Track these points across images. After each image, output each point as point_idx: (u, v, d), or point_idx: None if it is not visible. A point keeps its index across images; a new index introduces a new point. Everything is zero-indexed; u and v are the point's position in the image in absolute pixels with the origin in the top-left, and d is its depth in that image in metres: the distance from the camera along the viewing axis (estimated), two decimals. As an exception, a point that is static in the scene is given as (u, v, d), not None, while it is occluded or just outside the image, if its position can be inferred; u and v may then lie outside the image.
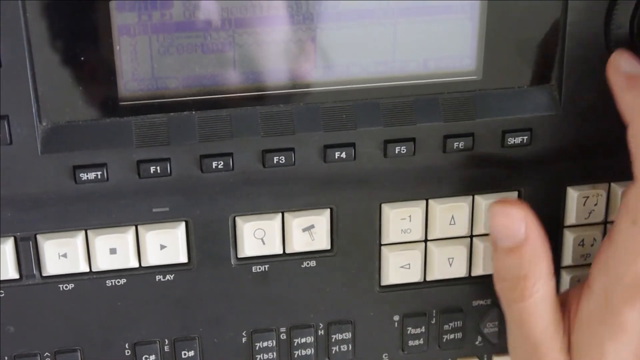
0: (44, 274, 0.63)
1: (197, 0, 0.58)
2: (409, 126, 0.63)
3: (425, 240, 0.67)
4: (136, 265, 0.64)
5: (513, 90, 0.64)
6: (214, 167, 0.61)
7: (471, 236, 0.68)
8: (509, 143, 0.64)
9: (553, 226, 0.68)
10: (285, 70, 0.61)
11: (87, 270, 0.64)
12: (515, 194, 0.66)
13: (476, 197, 0.66)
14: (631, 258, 0.58)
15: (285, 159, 0.62)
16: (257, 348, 0.68)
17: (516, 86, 0.64)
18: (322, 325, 0.68)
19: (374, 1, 0.60)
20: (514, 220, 0.61)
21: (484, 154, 0.64)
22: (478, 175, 0.65)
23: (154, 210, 0.63)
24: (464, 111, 0.63)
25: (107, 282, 0.64)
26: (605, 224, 0.69)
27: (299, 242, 0.65)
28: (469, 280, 0.68)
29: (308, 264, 0.66)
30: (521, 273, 0.61)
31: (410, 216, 0.66)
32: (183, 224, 0.64)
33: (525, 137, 0.64)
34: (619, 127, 0.65)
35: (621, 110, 0.60)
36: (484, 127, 0.63)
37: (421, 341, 0.70)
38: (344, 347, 0.69)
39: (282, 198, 0.64)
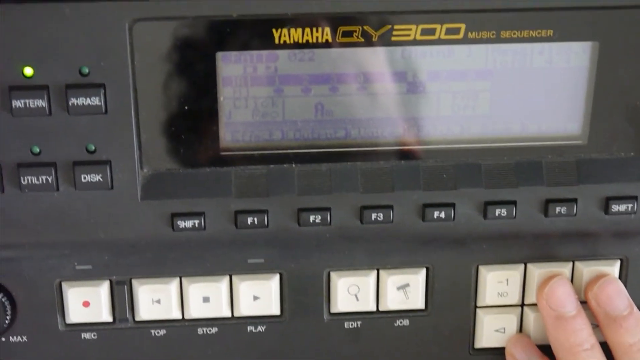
0: (137, 319, 0.63)
1: (300, 49, 0.58)
2: (510, 189, 0.62)
3: (522, 305, 0.66)
4: (229, 314, 0.64)
5: (619, 157, 0.62)
6: (311, 221, 0.61)
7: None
8: (613, 210, 0.62)
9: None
10: (386, 127, 0.61)
11: (180, 317, 0.64)
12: (618, 262, 0.65)
13: (577, 263, 0.65)
14: None
15: (383, 216, 0.61)
16: (346, 404, 0.67)
17: (622, 153, 0.62)
18: (413, 385, 0.67)
19: (477, 62, 0.60)
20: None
21: (587, 220, 0.63)
22: (579, 241, 0.64)
23: (249, 261, 0.63)
24: (567, 176, 0.62)
25: (198, 330, 0.64)
26: None
27: (393, 300, 0.65)
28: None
29: (401, 322, 0.65)
30: None
31: (507, 279, 0.65)
32: (277, 276, 0.63)
33: (630, 205, 0.62)
34: None
35: None
36: (587, 193, 0.62)
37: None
38: (435, 408, 0.68)
39: (378, 255, 0.63)
